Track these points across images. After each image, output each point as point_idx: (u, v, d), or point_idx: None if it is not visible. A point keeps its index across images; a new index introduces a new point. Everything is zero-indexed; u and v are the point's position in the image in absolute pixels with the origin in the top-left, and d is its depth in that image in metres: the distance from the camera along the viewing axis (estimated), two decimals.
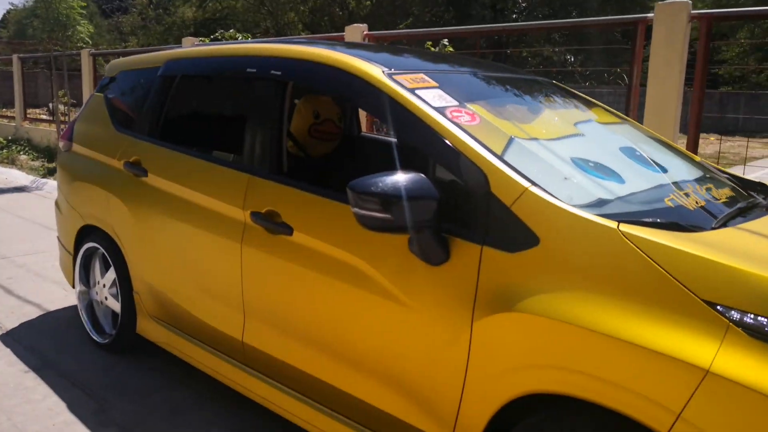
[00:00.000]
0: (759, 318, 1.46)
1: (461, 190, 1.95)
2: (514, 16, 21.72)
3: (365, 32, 6.14)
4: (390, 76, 2.26)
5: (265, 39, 8.96)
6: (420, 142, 2.08)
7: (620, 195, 2.00)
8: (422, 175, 1.91)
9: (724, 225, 1.91)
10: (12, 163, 11.06)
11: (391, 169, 1.95)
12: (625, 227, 1.68)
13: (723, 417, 1.42)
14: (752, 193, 2.50)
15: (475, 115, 2.15)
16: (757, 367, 1.41)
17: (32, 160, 11.04)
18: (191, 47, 3.31)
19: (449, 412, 1.93)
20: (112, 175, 3.34)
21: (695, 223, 1.88)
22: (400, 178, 1.88)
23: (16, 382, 3.17)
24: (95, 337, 3.60)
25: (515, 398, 1.77)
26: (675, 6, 4.25)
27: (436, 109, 2.10)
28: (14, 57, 12.22)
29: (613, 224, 1.69)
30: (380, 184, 1.87)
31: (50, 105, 13.72)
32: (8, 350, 3.54)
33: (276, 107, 2.58)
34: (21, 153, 11.46)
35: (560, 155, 2.17)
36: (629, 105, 4.57)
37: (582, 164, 2.15)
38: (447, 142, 2.00)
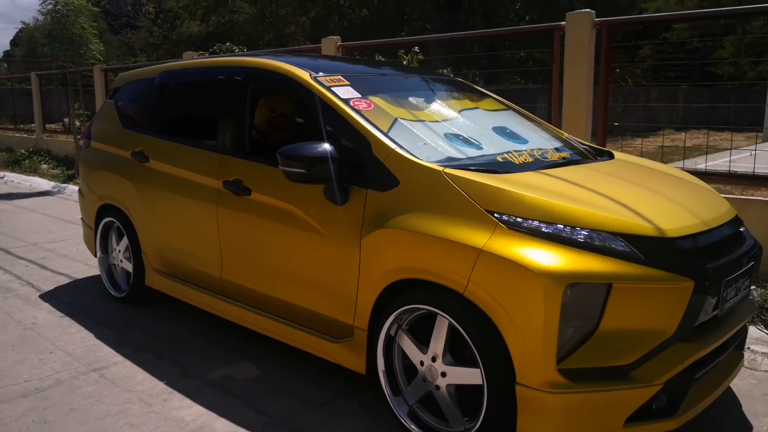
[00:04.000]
0: (513, 217, 2.38)
1: (356, 153, 2.88)
2: (502, 20, 22.60)
3: (339, 43, 7.09)
4: (315, 78, 3.21)
5: (254, 51, 9.98)
6: (332, 122, 3.02)
7: (470, 155, 2.93)
8: (326, 143, 2.84)
9: (530, 170, 2.81)
10: (35, 171, 12.13)
11: None
12: (448, 170, 2.61)
13: (491, 277, 2.34)
14: (594, 154, 3.42)
15: (372, 104, 3.09)
16: (510, 245, 2.33)
17: (53, 168, 12.11)
18: (182, 61, 4.28)
19: (351, 302, 2.87)
20: (122, 163, 4.31)
21: (506, 169, 2.78)
22: (311, 145, 2.82)
23: (55, 323, 4.14)
24: (114, 293, 4.58)
25: (388, 285, 2.69)
26: (581, 15, 5.17)
27: (343, 100, 3.05)
28: (32, 74, 13.32)
29: (440, 168, 2.62)
30: (297, 149, 2.81)
31: (65, 120, 14.78)
32: (47, 304, 4.52)
33: (240, 103, 3.54)
34: (42, 163, 12.54)
35: (435, 131, 3.11)
36: (551, 98, 5.48)
37: (451, 137, 3.09)
38: (347, 121, 2.94)
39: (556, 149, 3.32)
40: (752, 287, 3.13)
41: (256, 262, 3.38)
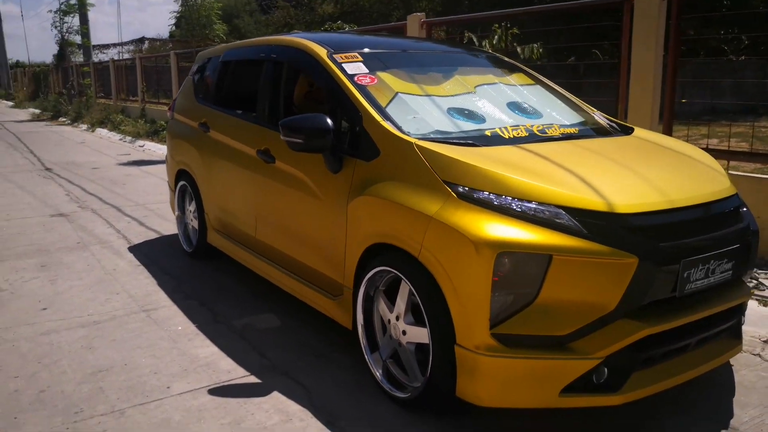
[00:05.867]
0: (466, 188, 2.49)
1: (351, 125, 3.10)
2: None
3: (422, 20, 7.22)
4: (330, 54, 3.44)
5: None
6: (335, 96, 3.25)
7: (462, 129, 3.04)
8: (324, 116, 3.08)
9: (514, 144, 2.87)
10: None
11: None
12: (420, 142, 2.75)
13: (438, 243, 2.48)
14: (610, 131, 3.38)
15: (376, 79, 3.28)
16: (456, 214, 2.45)
17: None
18: (239, 41, 4.68)
19: (340, 261, 3.11)
20: (192, 133, 4.82)
21: (486, 143, 2.86)
22: (308, 117, 3.08)
23: (131, 270, 4.77)
24: (185, 247, 5.15)
25: (366, 248, 2.90)
26: None
27: (348, 75, 3.26)
28: (171, 53, 14.67)
29: (413, 140, 2.77)
30: (296, 121, 3.08)
31: None
32: (131, 255, 5.18)
33: (273, 78, 3.86)
34: None
35: (439, 105, 3.24)
36: (620, 75, 5.29)
37: (453, 111, 3.20)
38: (346, 95, 3.16)
39: (564, 125, 3.30)
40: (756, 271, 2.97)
41: (278, 224, 3.72)
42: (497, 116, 3.27)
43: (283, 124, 3.11)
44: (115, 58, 21.21)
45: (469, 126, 3.09)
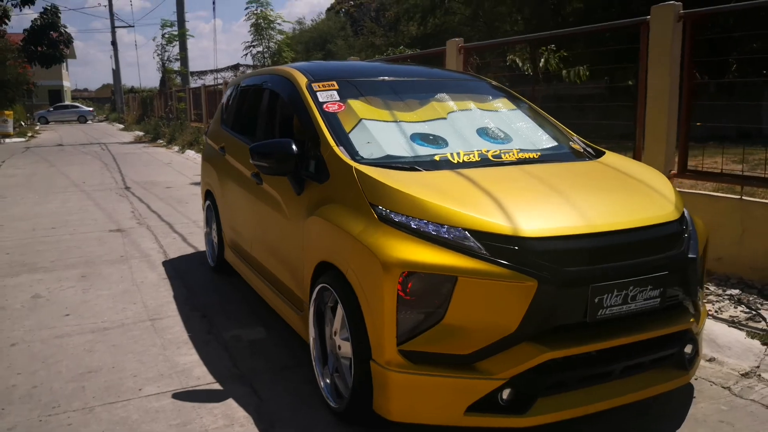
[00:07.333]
0: (387, 211, 2.62)
1: (314, 149, 3.29)
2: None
3: (460, 45, 7.34)
4: (309, 83, 3.66)
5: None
6: (305, 121, 3.46)
7: (416, 154, 3.17)
8: (288, 141, 3.29)
9: (459, 168, 2.96)
10: None
11: None
12: (358, 166, 2.90)
13: (358, 262, 2.61)
14: (579, 155, 3.40)
15: (344, 106, 3.46)
16: (374, 235, 2.58)
17: None
18: (253, 71, 5.00)
19: (301, 277, 3.29)
20: (215, 156, 5.18)
21: (429, 167, 2.96)
22: (274, 143, 3.31)
23: (156, 283, 5.17)
24: (210, 262, 5.52)
25: (317, 264, 3.06)
26: (664, 8, 4.84)
27: (318, 102, 3.46)
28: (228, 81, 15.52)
29: (353, 164, 2.92)
30: (263, 147, 3.32)
31: None
32: (162, 269, 5.60)
33: (266, 104, 4.14)
34: None
35: (403, 131, 3.38)
36: (638, 99, 5.19)
37: (417, 137, 3.34)
38: (311, 121, 3.36)
39: (526, 150, 3.32)
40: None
41: (263, 241, 3.97)
42: (459, 142, 3.36)
43: (252, 149, 3.36)
44: (207, 84, 22.56)
45: (425, 151, 3.20)
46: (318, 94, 3.55)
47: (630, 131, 5.33)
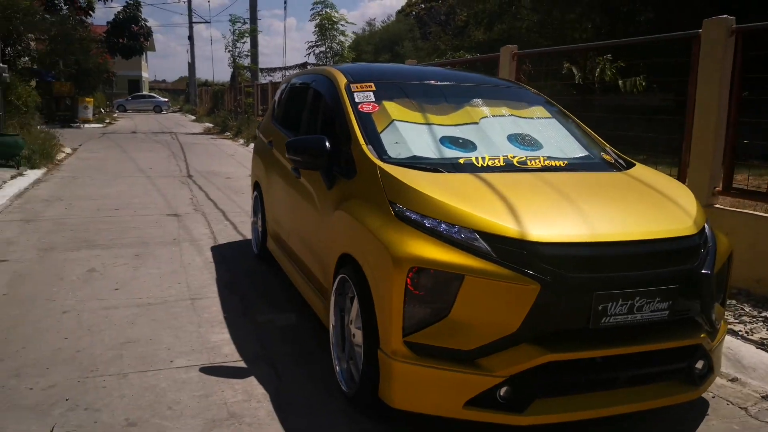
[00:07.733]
0: (403, 209, 2.74)
1: (346, 147, 3.44)
2: None
3: (514, 52, 7.37)
4: (348, 83, 3.82)
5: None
6: (340, 120, 3.61)
7: (443, 156, 3.27)
8: (323, 137, 3.46)
9: (484, 172, 3.05)
10: None
11: None
12: (383, 164, 3.03)
13: (372, 255, 2.75)
14: (607, 165, 3.43)
15: (378, 107, 3.60)
16: (389, 231, 2.71)
17: None
18: (302, 70, 5.20)
19: (326, 263, 3.45)
20: (264, 149, 5.42)
21: (453, 170, 3.06)
22: (309, 139, 3.48)
23: (201, 266, 5.45)
24: (254, 249, 5.77)
25: (340, 255, 3.21)
26: (715, 22, 4.77)
27: (353, 102, 3.61)
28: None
29: (378, 163, 3.06)
30: (299, 143, 3.50)
31: None
32: (209, 253, 5.89)
33: (310, 102, 4.32)
34: None
35: (433, 134, 3.49)
36: (687, 114, 5.11)
37: (446, 140, 3.44)
38: (345, 120, 3.51)
39: (553, 158, 3.37)
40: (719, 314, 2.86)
41: (298, 232, 4.16)
42: (488, 146, 3.43)
43: (288, 144, 3.54)
44: (275, 81, 23.19)
45: (452, 153, 3.31)
46: (355, 94, 3.70)
47: (677, 145, 5.26)
